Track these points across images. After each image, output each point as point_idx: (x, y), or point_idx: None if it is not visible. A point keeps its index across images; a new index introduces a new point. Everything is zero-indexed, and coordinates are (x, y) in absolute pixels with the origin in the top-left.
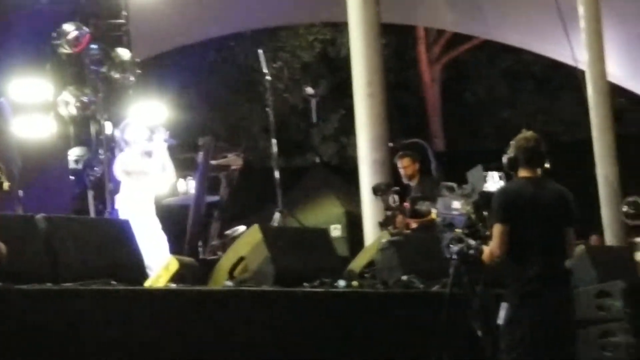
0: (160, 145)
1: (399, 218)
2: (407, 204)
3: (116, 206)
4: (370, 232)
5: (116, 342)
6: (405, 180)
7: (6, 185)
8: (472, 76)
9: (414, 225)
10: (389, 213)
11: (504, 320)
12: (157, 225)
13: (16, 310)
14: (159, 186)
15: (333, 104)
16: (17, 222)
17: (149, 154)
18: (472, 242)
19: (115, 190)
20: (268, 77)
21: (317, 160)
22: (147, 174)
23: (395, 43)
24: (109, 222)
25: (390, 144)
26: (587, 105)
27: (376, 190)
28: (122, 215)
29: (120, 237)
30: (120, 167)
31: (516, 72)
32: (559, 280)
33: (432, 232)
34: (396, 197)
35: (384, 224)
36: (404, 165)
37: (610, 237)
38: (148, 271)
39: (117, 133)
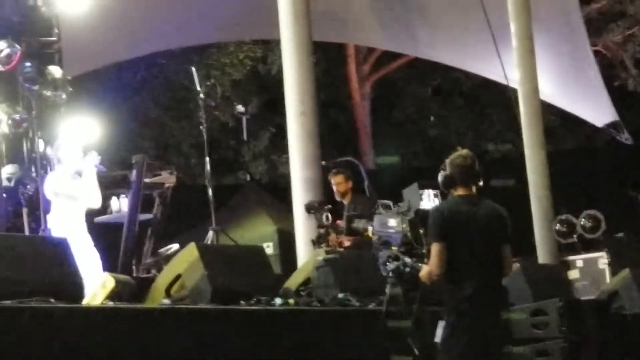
0: (91, 169)
1: (332, 236)
2: (340, 222)
3: (48, 225)
4: (303, 250)
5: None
6: (338, 198)
7: None
8: (402, 94)
9: (346, 243)
10: (321, 231)
11: (441, 338)
12: (89, 243)
13: None
14: (84, 209)
15: (264, 122)
16: None
17: (79, 173)
18: (408, 260)
19: (47, 209)
20: (201, 95)
21: (248, 178)
22: (74, 197)
23: (326, 61)
24: (46, 239)
25: (323, 163)
26: (517, 122)
27: (309, 208)
28: (55, 234)
29: (57, 254)
30: (49, 187)
31: (446, 90)
32: (495, 298)
33: (366, 249)
34: (329, 214)
35: (316, 242)
36: (337, 183)
37: (543, 256)
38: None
39: (50, 151)
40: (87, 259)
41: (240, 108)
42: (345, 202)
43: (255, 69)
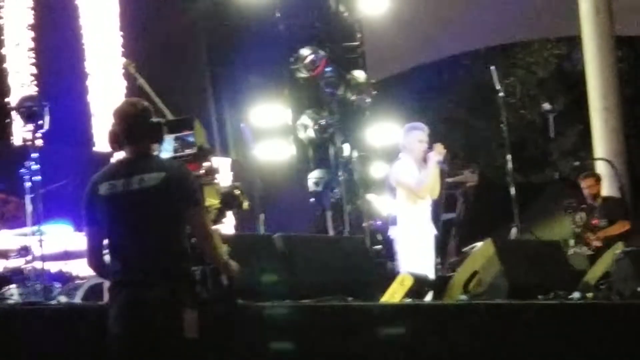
0: (434, 165)
1: (588, 235)
2: (595, 221)
3: (393, 212)
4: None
5: (353, 357)
6: (589, 200)
7: (246, 204)
8: None
9: (597, 243)
10: (577, 230)
11: None
12: (430, 238)
13: (256, 326)
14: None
15: (571, 119)
16: (256, 241)
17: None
18: None
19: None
20: (501, 94)
21: (557, 176)
22: (411, 189)
23: (633, 55)
24: (344, 239)
25: (576, 163)
26: None
27: (566, 208)
28: (400, 223)
29: (356, 254)
30: (393, 174)
31: None
32: None
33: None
34: (583, 215)
35: (575, 241)
36: (588, 185)
37: None
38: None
39: (355, 155)
40: (425, 253)
41: (546, 106)
42: (596, 204)
43: (560, 67)
